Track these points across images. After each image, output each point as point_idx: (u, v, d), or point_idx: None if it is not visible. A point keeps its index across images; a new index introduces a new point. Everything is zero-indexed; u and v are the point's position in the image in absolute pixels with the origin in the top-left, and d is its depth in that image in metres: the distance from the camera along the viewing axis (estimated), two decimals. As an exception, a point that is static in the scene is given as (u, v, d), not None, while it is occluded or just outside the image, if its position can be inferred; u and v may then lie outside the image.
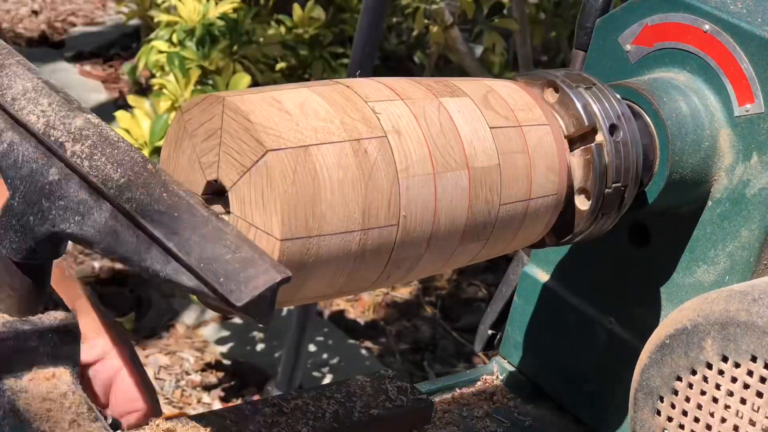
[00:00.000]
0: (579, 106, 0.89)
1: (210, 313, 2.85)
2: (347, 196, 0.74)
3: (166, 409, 2.52)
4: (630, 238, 1.04)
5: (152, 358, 2.70)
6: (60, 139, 0.72)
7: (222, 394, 2.62)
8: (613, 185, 0.90)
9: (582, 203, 0.90)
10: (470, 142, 0.82)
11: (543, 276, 1.13)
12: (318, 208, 0.72)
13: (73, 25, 4.47)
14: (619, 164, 0.90)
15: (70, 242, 0.74)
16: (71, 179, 0.71)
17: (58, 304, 0.78)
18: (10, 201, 0.74)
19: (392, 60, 3.57)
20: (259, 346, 2.77)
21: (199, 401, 2.58)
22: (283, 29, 2.89)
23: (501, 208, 0.84)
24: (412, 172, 0.78)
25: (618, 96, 0.92)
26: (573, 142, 0.89)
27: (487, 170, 0.83)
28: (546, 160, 0.87)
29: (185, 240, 0.67)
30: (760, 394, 0.78)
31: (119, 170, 0.70)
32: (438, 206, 0.80)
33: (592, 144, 0.89)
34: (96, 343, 0.91)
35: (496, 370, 1.18)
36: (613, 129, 0.89)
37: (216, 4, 2.61)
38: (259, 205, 0.72)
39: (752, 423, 0.78)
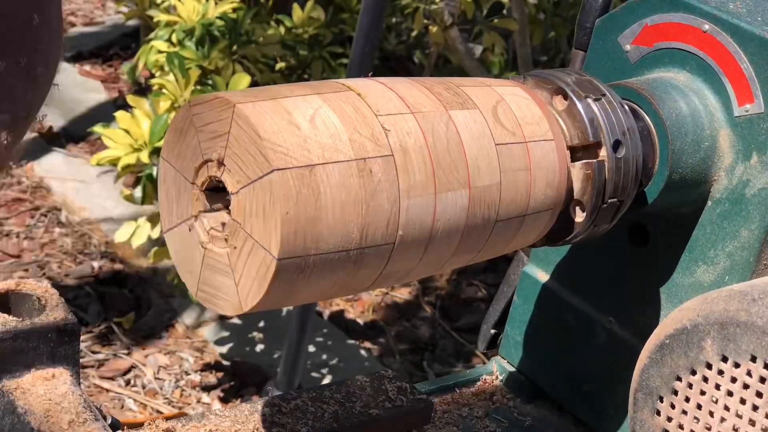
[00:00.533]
0: (586, 118, 0.88)
1: (210, 313, 2.85)
2: (347, 217, 0.74)
3: (166, 409, 2.51)
4: (630, 238, 1.04)
5: (152, 358, 2.70)
6: None
7: (221, 394, 2.62)
8: (609, 201, 0.90)
9: (577, 215, 0.90)
10: (475, 160, 0.82)
11: (543, 276, 1.13)
12: (317, 228, 0.72)
13: (73, 25, 4.46)
14: (617, 181, 0.90)
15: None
16: None
17: (59, 304, 0.78)
18: None
19: (392, 60, 3.57)
20: (259, 346, 2.77)
21: (198, 401, 2.58)
22: (282, 29, 2.89)
23: (497, 223, 0.84)
24: (414, 192, 0.77)
25: (626, 108, 0.91)
26: (576, 150, 0.89)
27: (488, 189, 0.83)
28: (547, 176, 0.87)
29: None
30: (759, 394, 0.78)
31: None
32: (435, 225, 0.79)
33: (594, 160, 0.88)
34: None
35: (495, 370, 1.18)
36: (617, 145, 0.89)
37: (215, 3, 2.61)
38: (259, 219, 0.72)
39: (752, 423, 0.78)
